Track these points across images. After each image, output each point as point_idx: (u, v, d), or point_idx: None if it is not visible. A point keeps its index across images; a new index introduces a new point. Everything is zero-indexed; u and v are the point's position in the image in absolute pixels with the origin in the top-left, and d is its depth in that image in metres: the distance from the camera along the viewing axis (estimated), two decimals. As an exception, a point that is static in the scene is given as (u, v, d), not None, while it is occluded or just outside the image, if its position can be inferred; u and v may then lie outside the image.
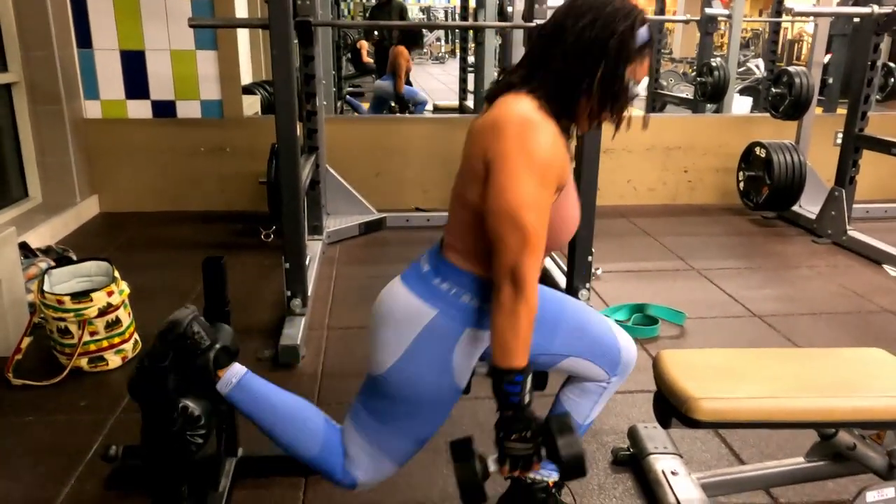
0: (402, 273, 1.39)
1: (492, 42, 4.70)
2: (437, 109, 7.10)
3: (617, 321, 2.74)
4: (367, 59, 8.44)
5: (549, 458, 1.26)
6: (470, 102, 5.97)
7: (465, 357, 1.34)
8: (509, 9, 3.35)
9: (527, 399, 1.23)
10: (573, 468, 1.25)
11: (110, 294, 2.36)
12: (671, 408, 1.58)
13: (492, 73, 4.69)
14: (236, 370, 1.44)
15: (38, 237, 3.62)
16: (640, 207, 4.66)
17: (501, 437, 1.25)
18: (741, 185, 4.42)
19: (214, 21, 3.31)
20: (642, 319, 2.86)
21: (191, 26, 3.13)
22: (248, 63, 6.73)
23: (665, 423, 1.62)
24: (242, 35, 5.60)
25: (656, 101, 6.52)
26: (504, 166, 1.18)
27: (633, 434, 2.01)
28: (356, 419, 1.43)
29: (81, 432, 2.03)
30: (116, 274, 2.45)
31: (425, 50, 18.26)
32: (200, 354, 1.37)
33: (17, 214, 3.87)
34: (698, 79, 5.45)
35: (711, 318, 2.95)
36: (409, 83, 6.47)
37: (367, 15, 9.38)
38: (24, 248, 2.98)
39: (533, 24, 3.31)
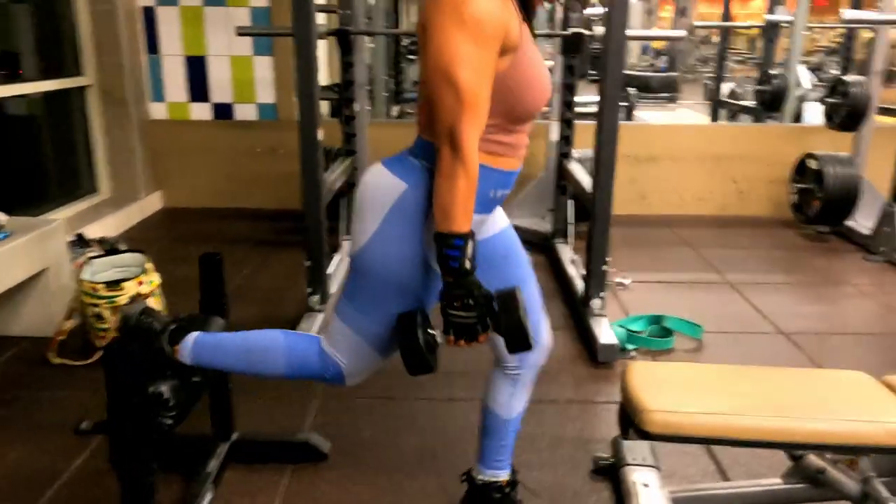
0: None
1: (543, 50, 4.70)
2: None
3: (632, 332, 2.75)
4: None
5: (494, 330, 1.26)
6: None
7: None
8: (559, 16, 3.36)
9: (468, 265, 1.23)
10: (515, 339, 1.25)
11: (140, 284, 2.55)
12: (629, 418, 1.60)
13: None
14: (189, 337, 1.54)
15: (104, 228, 3.92)
16: (686, 217, 4.56)
17: (444, 304, 1.25)
18: (793, 197, 4.26)
19: (256, 29, 3.51)
20: (658, 331, 2.83)
21: (238, 34, 3.32)
22: (326, 68, 6.98)
23: (625, 432, 1.64)
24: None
25: (720, 109, 6.33)
26: (436, 26, 1.20)
27: (615, 444, 2.01)
28: (338, 308, 1.45)
29: (104, 409, 2.22)
30: (148, 265, 2.64)
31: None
32: (155, 338, 1.50)
33: (87, 207, 4.20)
34: (757, 87, 5.28)
35: (732, 334, 2.88)
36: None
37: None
38: (80, 239, 3.24)
39: (568, 32, 3.33)
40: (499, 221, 1.55)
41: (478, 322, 1.25)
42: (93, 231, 3.69)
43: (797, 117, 5.91)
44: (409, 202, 1.32)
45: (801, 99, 5.37)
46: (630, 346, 2.69)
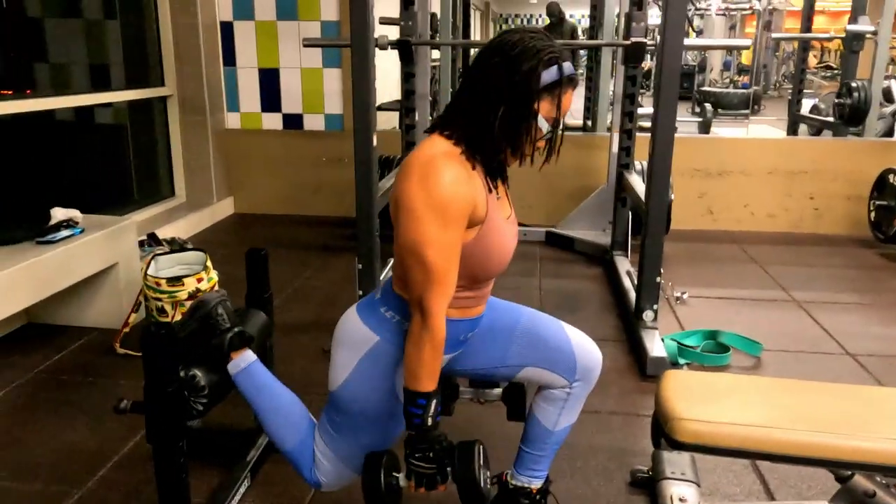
0: (360, 300, 1.50)
1: (608, 61, 4.66)
2: (565, 128, 7.09)
3: (685, 346, 2.67)
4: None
5: (453, 479, 1.32)
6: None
7: None
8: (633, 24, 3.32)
9: (429, 422, 1.30)
10: (467, 491, 1.31)
11: (199, 280, 2.67)
12: (660, 426, 1.55)
13: (608, 92, 4.65)
14: (247, 356, 1.60)
15: (177, 230, 4.12)
16: (756, 234, 4.39)
17: (407, 454, 1.32)
18: (872, 214, 4.04)
19: (321, 40, 3.62)
20: (713, 347, 2.73)
21: (305, 45, 3.44)
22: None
23: (656, 442, 1.59)
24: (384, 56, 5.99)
25: (800, 125, 6.07)
26: (404, 206, 1.26)
27: (655, 456, 1.96)
28: (321, 427, 1.53)
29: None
30: (209, 263, 2.77)
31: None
32: (219, 335, 1.56)
33: (164, 210, 4.43)
34: (836, 100, 5.04)
35: (794, 353, 2.75)
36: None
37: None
38: (152, 238, 3.42)
39: (629, 41, 3.29)
40: None
41: (437, 473, 1.31)
42: (168, 232, 3.89)
43: (889, 132, 5.60)
44: (381, 353, 1.39)
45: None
46: (682, 361, 2.61)
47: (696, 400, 1.54)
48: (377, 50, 3.34)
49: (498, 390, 1.81)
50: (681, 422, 1.47)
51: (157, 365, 1.41)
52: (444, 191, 1.23)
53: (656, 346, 2.58)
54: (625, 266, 3.43)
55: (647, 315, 2.70)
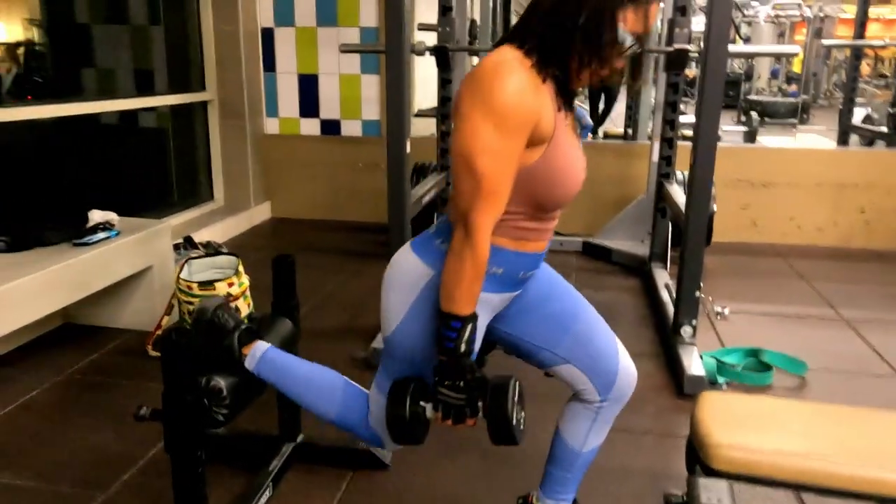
0: (413, 239, 1.41)
1: (650, 67, 4.56)
2: (606, 136, 6.99)
3: (724, 364, 2.57)
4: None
5: (483, 415, 1.24)
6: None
7: None
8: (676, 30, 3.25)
9: (462, 348, 1.22)
10: (497, 431, 1.23)
11: (231, 285, 2.65)
12: (695, 452, 1.48)
13: (650, 100, 4.55)
14: (260, 346, 1.57)
15: (214, 234, 4.16)
16: (802, 248, 4.23)
17: (435, 381, 1.25)
18: (928, 230, 3.86)
19: (358, 46, 3.61)
20: (755, 365, 2.63)
21: (342, 51, 3.45)
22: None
23: (691, 468, 1.52)
24: (427, 62, 6.00)
25: (851, 135, 5.86)
26: (462, 111, 1.18)
27: (689, 482, 1.87)
28: (377, 379, 1.46)
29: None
30: (241, 268, 2.76)
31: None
32: (226, 336, 1.54)
33: (202, 213, 4.48)
34: (890, 110, 4.84)
35: (841, 373, 2.62)
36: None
37: None
38: (188, 241, 3.45)
39: (671, 48, 3.20)
40: None
41: (466, 405, 1.24)
42: (206, 235, 3.93)
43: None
44: (437, 289, 1.30)
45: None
46: (721, 379, 2.51)
47: (735, 425, 1.47)
48: (416, 56, 3.34)
49: None
50: (718, 448, 1.40)
51: (176, 373, 1.39)
52: (507, 97, 1.15)
53: (694, 363, 2.49)
54: (663, 279, 3.33)
55: (686, 331, 2.61)
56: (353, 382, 1.57)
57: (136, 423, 1.50)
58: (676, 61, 3.21)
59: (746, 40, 13.50)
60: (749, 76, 12.43)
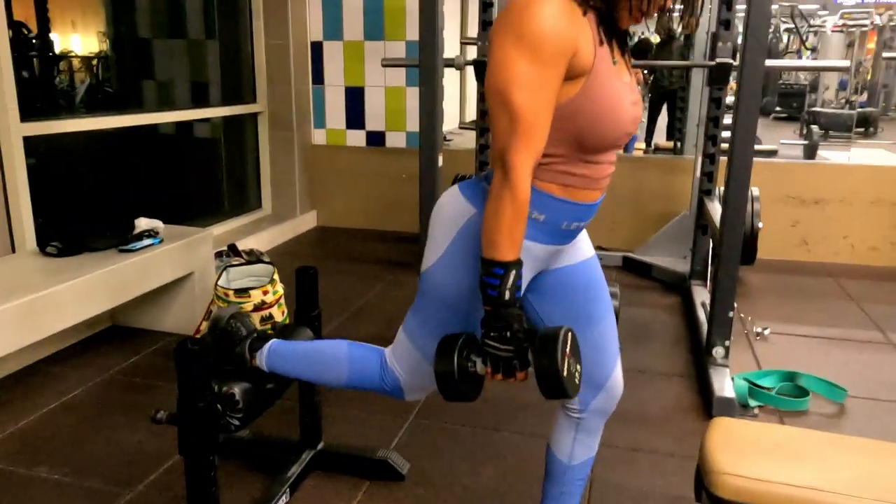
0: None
1: (698, 81, 4.48)
2: (657, 150, 6.87)
3: (758, 387, 2.50)
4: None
5: (533, 367, 1.17)
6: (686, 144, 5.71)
7: None
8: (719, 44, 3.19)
9: (507, 296, 1.16)
10: (547, 383, 1.14)
11: (265, 293, 2.74)
12: (701, 479, 1.45)
13: (696, 113, 4.47)
14: (266, 345, 1.62)
15: (261, 241, 4.29)
16: (855, 268, 4.07)
17: (482, 334, 1.20)
18: None
19: (399, 60, 3.67)
20: (791, 390, 2.54)
21: (383, 66, 3.51)
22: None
23: (698, 496, 1.48)
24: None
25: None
26: (496, 43, 1.14)
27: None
28: (404, 322, 1.45)
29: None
30: (276, 277, 2.84)
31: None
32: (238, 343, 1.59)
33: (249, 221, 4.62)
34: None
35: (884, 402, 2.51)
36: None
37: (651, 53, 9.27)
38: (232, 249, 3.56)
39: (713, 62, 3.15)
40: (583, 250, 1.45)
41: (514, 357, 1.17)
42: (253, 243, 4.05)
43: None
44: (477, 227, 1.24)
45: None
46: (753, 403, 2.44)
47: (745, 453, 1.43)
48: (458, 70, 3.39)
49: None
50: (722, 476, 1.37)
51: (190, 379, 1.45)
52: (541, 25, 1.09)
53: (725, 385, 2.43)
54: (701, 297, 3.25)
55: (717, 351, 2.55)
56: (358, 343, 1.58)
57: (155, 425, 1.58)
58: (719, 76, 3.15)
59: (813, 51, 13.07)
60: (815, 87, 12.02)
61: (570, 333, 1.19)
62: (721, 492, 1.36)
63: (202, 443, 1.48)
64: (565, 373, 1.14)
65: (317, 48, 4.74)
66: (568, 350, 1.16)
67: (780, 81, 12.51)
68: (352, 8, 4.59)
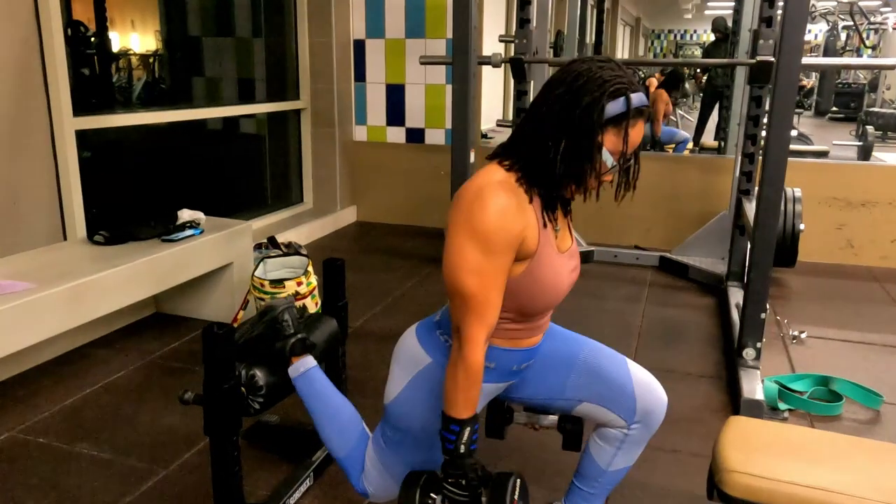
0: (422, 319, 1.50)
1: (741, 80, 4.39)
2: (702, 149, 6.76)
3: (789, 390, 2.46)
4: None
5: None
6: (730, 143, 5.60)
7: None
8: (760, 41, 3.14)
9: (462, 449, 1.28)
10: None
11: (299, 284, 2.82)
12: (713, 477, 1.45)
13: (738, 111, 4.38)
14: (307, 362, 1.66)
15: (301, 235, 4.39)
16: (903, 273, 3.94)
17: (441, 478, 1.32)
18: None
19: (430, 58, 3.70)
20: (825, 394, 2.49)
21: (421, 63, 3.55)
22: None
23: (710, 494, 1.49)
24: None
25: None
26: (450, 233, 1.25)
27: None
28: (374, 438, 1.57)
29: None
30: (310, 269, 2.91)
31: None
32: (283, 339, 1.64)
33: (291, 215, 4.73)
34: None
35: (921, 410, 2.44)
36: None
37: (703, 52, 9.21)
38: (272, 241, 3.65)
39: (755, 60, 3.10)
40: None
41: (470, 500, 1.29)
42: (293, 236, 4.16)
43: None
44: (431, 375, 1.40)
45: None
46: (783, 406, 2.40)
47: (757, 452, 1.43)
48: (495, 68, 3.41)
49: (554, 418, 1.77)
50: (732, 474, 1.37)
51: (215, 362, 1.51)
52: (489, 221, 1.21)
53: (755, 387, 2.40)
54: (737, 298, 3.20)
55: (748, 353, 2.51)
56: (367, 431, 1.65)
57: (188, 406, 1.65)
58: (759, 74, 3.09)
59: (873, 49, 12.61)
60: (874, 87, 11.61)
61: (518, 480, 1.32)
62: (731, 490, 1.37)
63: (226, 423, 1.55)
64: None
65: (359, 46, 4.82)
66: (517, 497, 1.30)
67: (837, 81, 12.12)
68: (394, 6, 4.66)
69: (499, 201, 1.22)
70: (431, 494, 1.35)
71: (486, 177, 1.27)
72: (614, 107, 1.20)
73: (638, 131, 1.26)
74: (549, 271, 1.31)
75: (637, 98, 1.22)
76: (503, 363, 1.40)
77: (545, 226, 1.30)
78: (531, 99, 3.65)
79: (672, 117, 6.40)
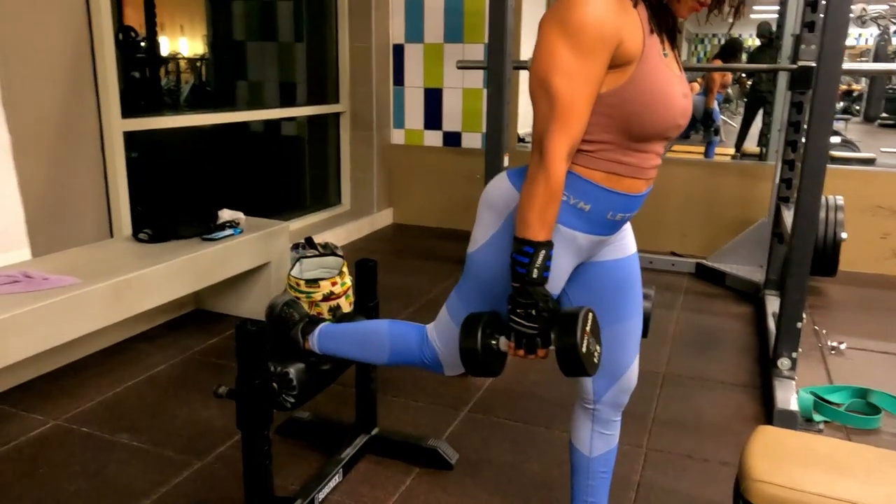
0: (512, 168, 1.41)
1: (783, 85, 4.31)
2: (744, 155, 6.64)
3: (825, 402, 2.42)
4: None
5: (554, 345, 1.21)
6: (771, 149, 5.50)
7: None
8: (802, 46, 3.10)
9: (535, 274, 1.19)
10: (566, 360, 1.18)
11: (334, 284, 2.87)
12: (739, 486, 1.44)
13: (780, 117, 4.31)
14: (317, 328, 1.72)
15: (339, 236, 4.46)
16: (952, 284, 3.82)
17: (508, 310, 1.23)
18: None
19: (466, 63, 3.72)
20: (862, 407, 2.44)
21: (458, 67, 3.59)
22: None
23: (735, 502, 1.47)
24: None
25: None
26: (540, 31, 1.17)
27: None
28: (448, 300, 1.49)
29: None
30: (344, 269, 2.97)
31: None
32: (292, 328, 1.70)
33: (329, 216, 4.80)
34: None
35: (964, 425, 2.37)
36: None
37: (748, 57, 9.04)
38: (309, 242, 3.72)
39: (796, 66, 3.05)
40: (626, 247, 1.47)
41: (538, 334, 1.21)
42: (331, 237, 4.23)
43: None
44: None
45: None
46: (818, 418, 2.36)
47: (784, 462, 1.41)
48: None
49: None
50: (757, 483, 1.36)
51: (248, 358, 1.56)
52: (585, 16, 1.12)
53: (790, 398, 2.36)
54: (774, 307, 3.15)
55: (783, 363, 2.48)
56: (400, 321, 1.65)
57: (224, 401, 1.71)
58: (801, 79, 3.04)
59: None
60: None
61: (590, 314, 1.22)
62: (756, 499, 1.36)
63: (258, 418, 1.59)
64: (584, 350, 1.17)
65: (398, 50, 4.87)
66: (588, 329, 1.19)
67: (888, 86, 11.79)
68: (433, 10, 4.70)
69: None
70: (494, 334, 1.27)
71: None
72: None
73: None
74: (659, 80, 1.20)
75: None
76: (600, 205, 1.27)
77: (651, 32, 1.21)
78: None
79: (717, 123, 6.32)
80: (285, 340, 1.72)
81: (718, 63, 6.23)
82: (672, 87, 1.22)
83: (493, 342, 1.27)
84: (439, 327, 1.53)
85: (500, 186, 1.35)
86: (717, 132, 6.24)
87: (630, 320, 1.48)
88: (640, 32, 1.19)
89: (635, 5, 1.19)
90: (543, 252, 1.20)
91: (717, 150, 6.33)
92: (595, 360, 1.22)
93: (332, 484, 1.95)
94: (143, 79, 3.85)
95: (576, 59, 1.14)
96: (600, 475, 1.58)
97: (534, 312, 1.20)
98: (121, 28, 3.42)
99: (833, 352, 2.93)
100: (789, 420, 2.27)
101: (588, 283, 1.44)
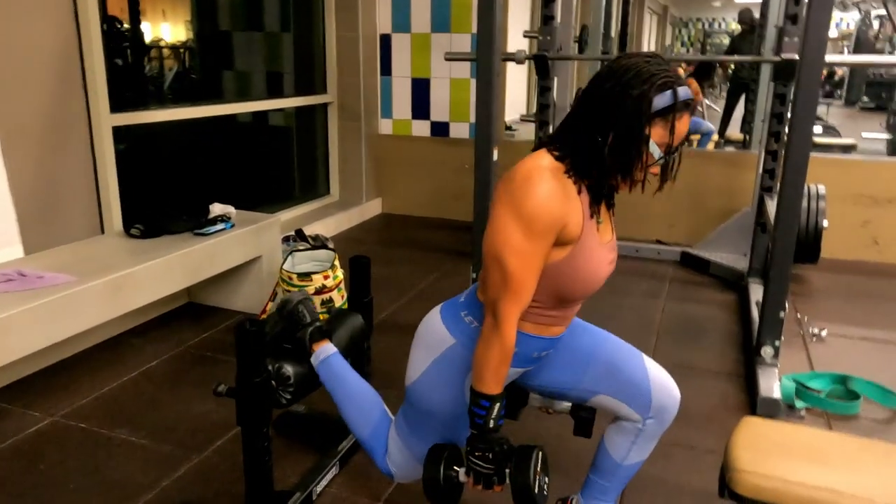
0: (447, 300, 1.54)
1: (765, 74, 4.37)
2: (727, 142, 6.71)
3: (806, 388, 2.49)
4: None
5: (509, 482, 1.35)
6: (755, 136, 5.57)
7: None
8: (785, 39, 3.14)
9: (491, 424, 1.34)
10: (519, 497, 1.33)
11: (326, 278, 2.90)
12: (724, 476, 1.50)
13: (763, 106, 4.36)
14: (327, 349, 1.76)
15: (328, 226, 4.48)
16: (929, 271, 3.92)
17: (467, 451, 1.37)
18: None
19: (455, 54, 3.71)
20: (842, 393, 2.52)
21: (446, 59, 3.60)
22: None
23: (721, 492, 1.53)
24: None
25: None
26: (495, 211, 1.29)
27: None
28: (396, 421, 1.63)
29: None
30: (336, 262, 3.00)
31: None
32: (301, 329, 1.73)
33: (318, 207, 4.82)
34: None
35: (941, 410, 2.46)
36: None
37: (729, 42, 9.07)
38: (299, 234, 3.74)
39: (779, 58, 3.10)
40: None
41: (494, 474, 1.35)
42: (320, 228, 4.24)
43: None
44: (455, 356, 1.44)
45: None
46: (800, 405, 2.43)
47: (768, 452, 1.47)
48: (521, 63, 3.44)
49: (567, 403, 1.81)
50: (742, 473, 1.42)
51: (247, 357, 1.59)
52: (535, 204, 1.25)
53: (772, 385, 2.43)
54: (758, 295, 3.22)
55: (766, 351, 2.54)
56: (390, 414, 1.72)
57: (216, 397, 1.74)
58: (784, 72, 3.09)
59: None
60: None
61: (540, 453, 1.38)
62: (741, 489, 1.41)
63: (257, 415, 1.63)
64: (536, 489, 1.34)
65: (385, 40, 4.87)
66: (539, 468, 1.36)
67: (869, 70, 11.90)
68: (420, 1, 4.69)
69: (545, 186, 1.27)
70: (455, 467, 1.42)
71: (536, 161, 1.31)
72: (661, 100, 1.24)
73: (684, 124, 1.30)
74: (591, 259, 1.35)
75: (683, 91, 1.26)
76: (525, 349, 1.44)
77: (591, 216, 1.34)
78: (554, 95, 3.69)
79: (699, 108, 6.36)
80: (292, 338, 1.75)
81: (693, 82, 6.24)
82: (602, 262, 1.39)
83: (454, 474, 1.41)
84: (393, 453, 1.64)
85: (434, 328, 1.48)
86: (709, 135, 6.30)
87: (598, 349, 1.57)
88: (581, 218, 1.32)
89: (579, 192, 1.32)
90: (498, 404, 1.35)
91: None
92: (545, 494, 1.38)
93: (329, 476, 1.99)
94: (128, 67, 3.82)
95: (527, 242, 1.27)
96: (622, 480, 1.61)
97: (490, 455, 1.35)
98: (105, 18, 3.39)
99: (814, 339, 3.01)
100: (772, 407, 2.34)
101: (539, 368, 1.57)
